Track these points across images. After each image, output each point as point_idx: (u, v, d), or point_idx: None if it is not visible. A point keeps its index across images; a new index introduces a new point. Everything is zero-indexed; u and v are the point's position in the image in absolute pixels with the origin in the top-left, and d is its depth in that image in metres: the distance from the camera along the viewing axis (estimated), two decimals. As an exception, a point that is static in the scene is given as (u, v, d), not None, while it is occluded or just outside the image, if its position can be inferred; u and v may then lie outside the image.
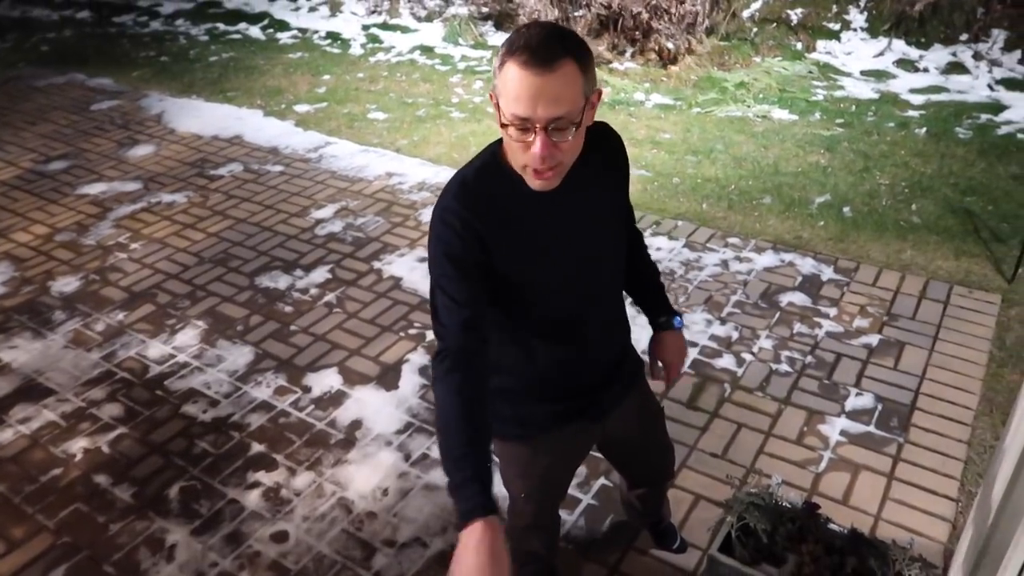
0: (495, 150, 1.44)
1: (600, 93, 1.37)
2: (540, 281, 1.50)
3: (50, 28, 8.66)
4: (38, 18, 9.10)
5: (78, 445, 2.87)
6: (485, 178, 1.43)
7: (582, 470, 2.65)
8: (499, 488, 1.76)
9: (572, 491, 2.57)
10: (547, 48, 1.23)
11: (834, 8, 7.12)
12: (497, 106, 1.31)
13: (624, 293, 1.78)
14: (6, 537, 2.50)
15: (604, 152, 1.54)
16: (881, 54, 6.68)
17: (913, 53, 6.64)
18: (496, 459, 1.76)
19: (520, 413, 1.68)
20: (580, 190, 1.46)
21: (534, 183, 1.37)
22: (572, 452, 1.86)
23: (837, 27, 7.01)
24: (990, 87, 6.01)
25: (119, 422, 2.97)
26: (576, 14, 7.35)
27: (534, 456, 1.76)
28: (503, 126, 1.30)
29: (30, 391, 3.15)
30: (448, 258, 1.40)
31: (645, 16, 6.75)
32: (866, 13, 6.99)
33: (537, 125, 1.26)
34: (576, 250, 1.51)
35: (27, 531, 2.52)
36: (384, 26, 8.07)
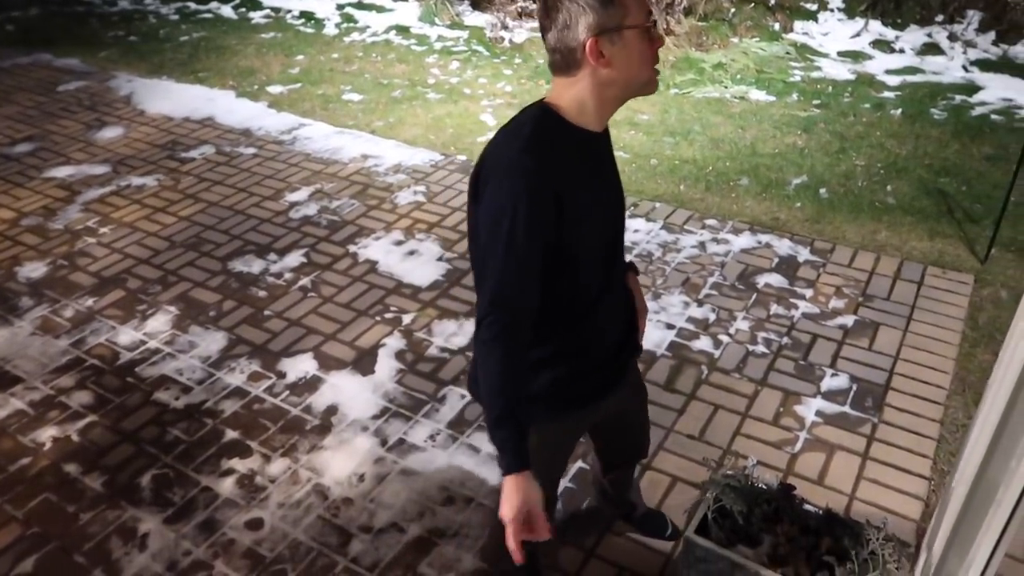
0: (538, 110, 1.45)
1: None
2: (595, 234, 1.52)
3: (16, 7, 8.43)
4: (2, -4, 8.85)
5: (47, 434, 2.82)
6: (547, 132, 1.43)
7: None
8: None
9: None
10: None
11: (811, -12, 7.10)
12: (600, 53, 1.36)
13: None
14: (-27, 528, 2.46)
15: None
16: (858, 35, 6.69)
17: (889, 34, 6.65)
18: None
19: (559, 392, 1.66)
20: (608, 142, 1.58)
21: (653, 86, 1.46)
22: (585, 426, 1.89)
23: (815, 7, 7.00)
24: (965, 68, 6.04)
25: (89, 410, 2.92)
26: (553, -6, 7.28)
27: (564, 434, 1.78)
28: (648, 28, 1.38)
29: (-3, 379, 3.08)
30: (529, 214, 1.37)
31: (623, -4, 6.70)
32: (843, -6, 6.99)
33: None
34: (616, 202, 1.60)
35: (-5, 522, 2.48)
36: (359, 5, 7.94)
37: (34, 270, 3.79)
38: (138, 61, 6.67)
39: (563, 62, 1.40)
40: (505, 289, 1.41)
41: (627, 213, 4.04)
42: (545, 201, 1.38)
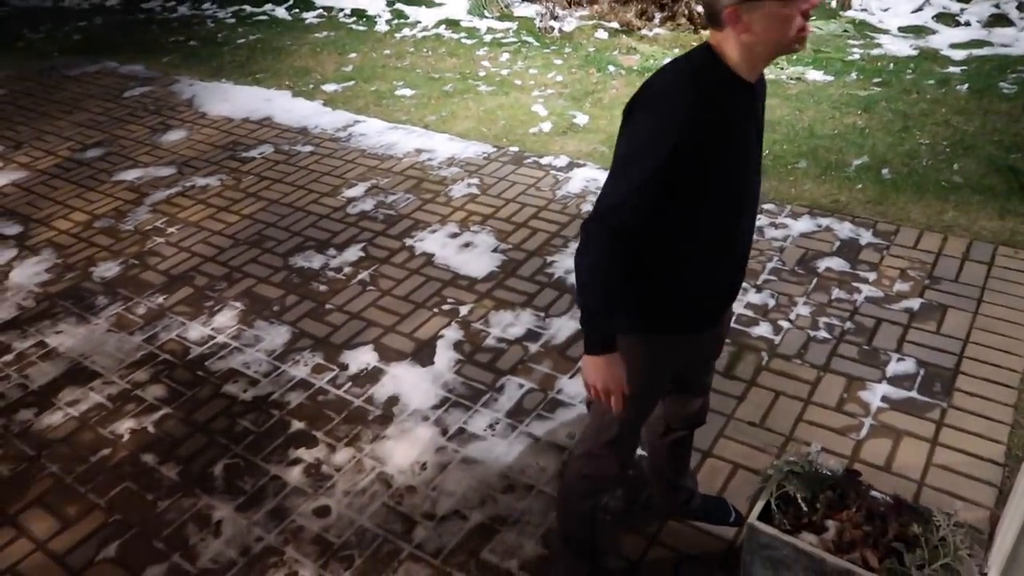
0: (704, 51, 1.55)
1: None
2: (735, 168, 1.62)
3: (81, 17, 8.77)
4: (70, 8, 9.22)
5: (125, 426, 2.95)
6: (706, 78, 1.54)
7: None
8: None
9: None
10: None
11: (870, -37, 6.89)
12: (740, 17, 1.45)
13: None
14: (60, 515, 2.59)
15: None
16: (920, 9, 6.47)
17: (954, 7, 6.41)
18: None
19: (681, 306, 1.76)
20: (759, 93, 1.65)
21: (799, 45, 1.51)
22: (688, 357, 1.93)
23: (873, -17, 6.79)
24: (1036, 39, 5.79)
25: (163, 403, 3.05)
26: (602, -19, 7.22)
27: (673, 348, 1.84)
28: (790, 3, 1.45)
29: (77, 374, 3.23)
30: (671, 136, 1.49)
31: (674, -20, 6.61)
32: (904, -33, 6.76)
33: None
34: (758, 150, 1.69)
35: (80, 510, 2.60)
36: (409, 1, 8.02)
37: (108, 270, 3.95)
38: (198, 65, 6.87)
39: (711, 18, 1.52)
40: (623, 201, 1.55)
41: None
42: (690, 133, 1.49)
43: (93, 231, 4.33)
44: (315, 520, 2.50)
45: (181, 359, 3.27)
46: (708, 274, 1.74)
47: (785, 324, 3.16)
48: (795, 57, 5.81)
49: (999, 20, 6.10)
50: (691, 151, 1.50)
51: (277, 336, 3.37)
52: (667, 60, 5.77)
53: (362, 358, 3.20)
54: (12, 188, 4.90)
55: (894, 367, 2.89)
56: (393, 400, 2.96)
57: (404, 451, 2.73)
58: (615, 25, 6.79)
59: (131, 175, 4.94)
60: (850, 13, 6.57)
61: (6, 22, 8.72)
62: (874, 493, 2.00)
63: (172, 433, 2.90)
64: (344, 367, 3.16)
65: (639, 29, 6.68)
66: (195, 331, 3.44)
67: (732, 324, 3.16)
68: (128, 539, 2.49)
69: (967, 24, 6.18)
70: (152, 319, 3.54)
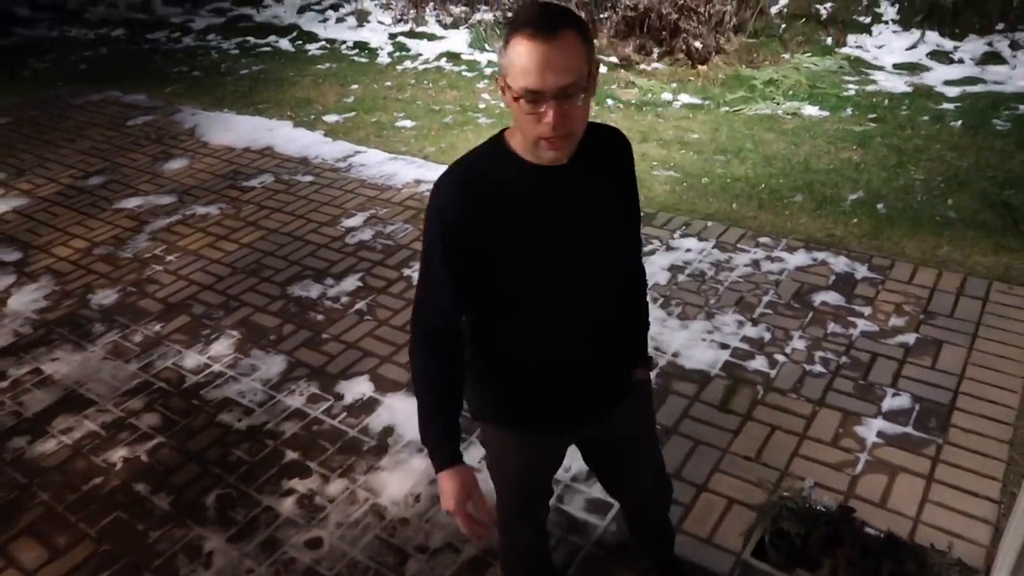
0: (498, 136, 1.49)
1: (599, 65, 1.43)
2: (535, 264, 1.49)
3: (87, 47, 8.88)
4: (76, 37, 9.34)
5: (118, 454, 2.94)
6: (486, 161, 1.47)
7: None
8: (489, 487, 1.80)
9: (603, 496, 2.56)
10: (549, 19, 1.30)
11: (864, 1, 7.01)
12: (503, 89, 1.37)
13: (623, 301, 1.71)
14: (50, 545, 2.57)
15: (610, 150, 1.57)
16: (914, 46, 6.56)
17: (947, 44, 6.51)
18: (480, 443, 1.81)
19: (505, 405, 1.70)
20: (580, 175, 1.48)
21: (547, 154, 1.40)
22: (553, 451, 1.83)
23: (868, 20, 6.90)
24: (1028, 77, 5.86)
25: (157, 431, 3.03)
26: (602, 16, 7.34)
27: (514, 447, 1.77)
28: (515, 100, 1.33)
29: (71, 402, 3.23)
30: (442, 239, 1.46)
31: (673, 16, 6.71)
32: (897, 5, 6.87)
33: (547, 94, 1.30)
34: (572, 239, 1.49)
35: (69, 539, 2.58)
36: (411, 34, 8.13)
37: (105, 297, 3.96)
38: (201, 95, 6.95)
39: None
40: (423, 302, 1.54)
41: (677, 233, 4.03)
42: (455, 229, 1.43)
43: (92, 258, 4.34)
44: (307, 552, 2.48)
45: (176, 387, 3.27)
46: (534, 375, 1.61)
47: (781, 358, 3.16)
48: (791, 92, 5.88)
49: (992, 58, 6.19)
50: (452, 246, 1.44)
51: (273, 365, 3.36)
52: (665, 94, 5.73)
53: (358, 388, 3.19)
54: (13, 215, 4.92)
55: (889, 402, 2.89)
56: (388, 431, 2.95)
57: (398, 483, 2.72)
58: (614, 60, 6.88)
59: (132, 203, 4.97)
60: (845, 50, 6.66)
61: (13, 51, 8.83)
62: (869, 530, 1.99)
63: (165, 462, 2.88)
64: (339, 397, 3.15)
65: (638, 64, 6.77)
66: (191, 359, 3.44)
67: (728, 358, 3.17)
68: (118, 570, 2.47)
69: (961, 61, 6.26)
70: (148, 347, 3.54)
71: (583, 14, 7.29)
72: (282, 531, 2.56)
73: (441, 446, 1.52)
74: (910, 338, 3.22)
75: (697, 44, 6.63)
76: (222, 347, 3.50)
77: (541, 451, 1.80)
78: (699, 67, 6.56)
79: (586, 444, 1.87)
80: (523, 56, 1.30)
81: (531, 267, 1.49)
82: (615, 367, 1.72)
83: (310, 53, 7.96)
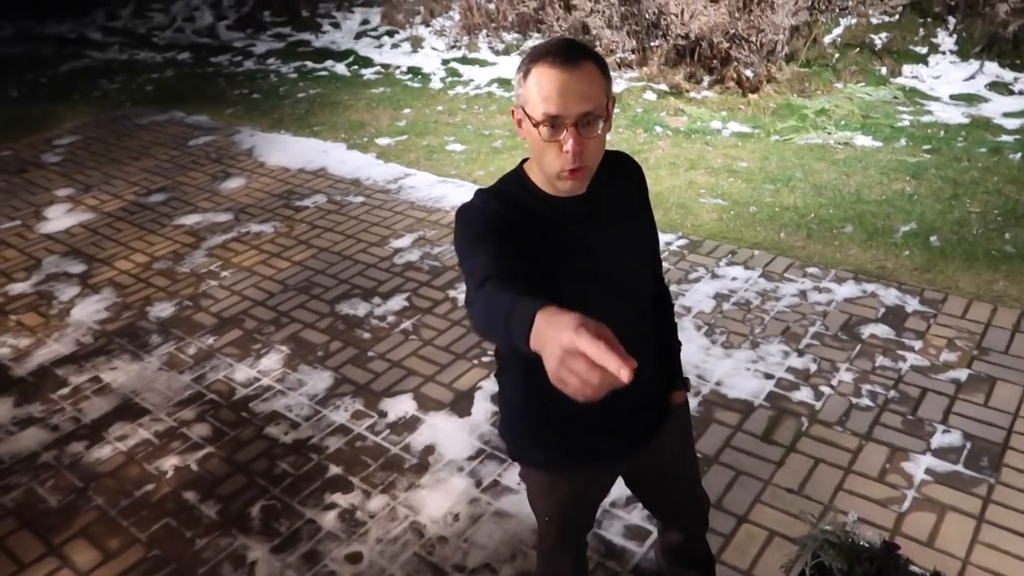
0: (518, 169, 1.53)
1: (615, 101, 1.45)
2: (567, 295, 1.35)
3: (154, 69, 9.25)
4: (144, 60, 9.74)
5: (169, 463, 3.03)
6: (507, 189, 1.50)
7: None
8: (527, 511, 1.80)
9: (642, 523, 2.55)
10: (571, 49, 1.35)
11: (921, 31, 6.92)
12: (520, 122, 1.41)
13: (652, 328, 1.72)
14: (102, 548, 2.66)
15: (625, 177, 1.60)
16: (972, 77, 6.44)
17: (1007, 75, 6.37)
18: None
19: (539, 442, 1.69)
20: (601, 205, 1.51)
21: (565, 184, 1.41)
22: (592, 487, 1.83)
23: (924, 50, 6.80)
24: (1093, 109, 5.70)
25: (207, 442, 3.12)
26: (653, 44, 7.38)
27: (552, 484, 1.76)
28: (535, 125, 1.35)
29: (127, 410, 3.34)
30: (479, 235, 1.37)
31: (725, 45, 6.72)
32: (955, 36, 6.77)
33: (567, 121, 1.33)
34: (599, 266, 1.50)
35: (121, 543, 2.67)
36: (463, 60, 8.29)
37: (163, 310, 4.10)
38: (260, 116, 7.18)
39: None
40: (479, 271, 1.35)
41: (723, 261, 4.02)
42: (493, 220, 1.41)
43: (152, 272, 4.51)
44: (347, 566, 2.52)
45: (227, 400, 3.36)
46: (579, 410, 1.33)
47: (827, 390, 3.12)
48: (843, 122, 5.82)
49: (1054, 90, 6.05)
50: (514, 235, 1.41)
51: (320, 381, 3.44)
52: (715, 122, 5.73)
53: (401, 406, 3.24)
54: (80, 228, 5.14)
55: (939, 439, 2.83)
56: (429, 449, 2.99)
57: (438, 501, 2.75)
58: (664, 87, 6.90)
59: (190, 220, 5.15)
60: (900, 80, 6.57)
61: (85, 73, 9.25)
62: (914, 568, 1.94)
63: (214, 472, 2.97)
64: (383, 414, 3.21)
65: (688, 92, 6.78)
66: (242, 373, 3.54)
67: (773, 388, 3.14)
68: (165, 575, 2.54)
69: (1021, 93, 6.12)
70: (201, 359, 3.65)
71: (634, 42, 7.35)
72: (323, 544, 2.61)
73: (526, 300, 1.11)
74: (962, 374, 3.14)
75: (748, 73, 6.62)
76: (271, 362, 3.60)
77: (589, 485, 1.81)
78: (750, 96, 6.54)
79: (629, 471, 1.88)
80: (544, 84, 1.33)
81: (564, 295, 1.41)
82: (655, 391, 1.74)
83: (365, 77, 8.16)
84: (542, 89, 1.34)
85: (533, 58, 1.36)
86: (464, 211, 1.47)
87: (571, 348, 0.94)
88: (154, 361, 3.67)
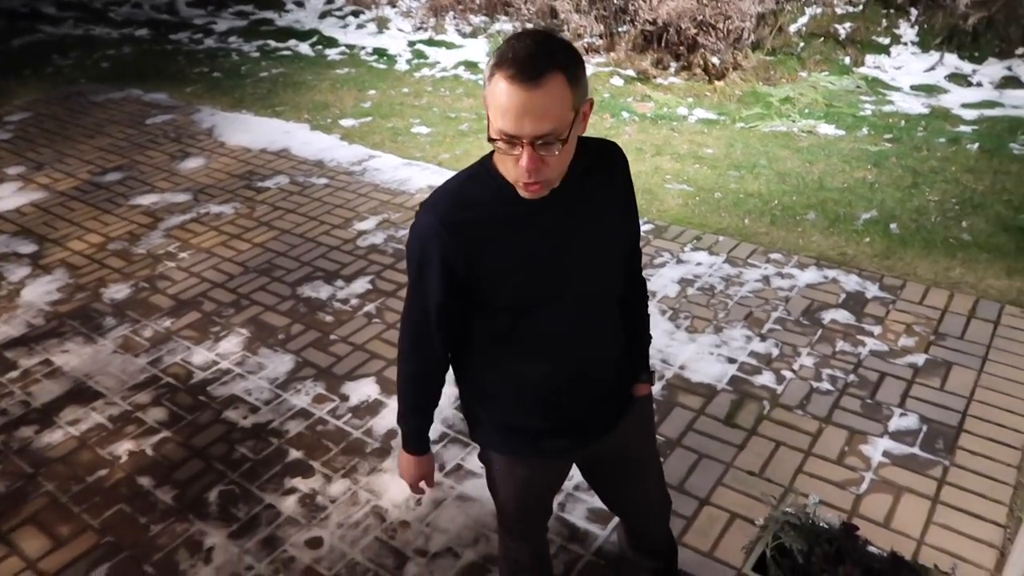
0: (487, 159, 1.44)
1: (592, 103, 1.36)
2: (523, 291, 1.46)
3: (111, 45, 8.98)
4: (100, 36, 9.46)
5: (123, 447, 2.95)
6: (470, 187, 1.44)
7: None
8: (489, 495, 1.84)
9: (604, 506, 2.54)
10: (534, 62, 1.22)
11: (884, 22, 7.00)
12: (488, 117, 1.32)
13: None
14: (53, 535, 2.58)
15: (605, 168, 1.52)
16: (932, 68, 6.54)
17: (966, 67, 6.48)
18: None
19: (500, 427, 1.67)
20: (572, 202, 1.44)
21: (523, 193, 1.36)
22: (549, 473, 1.80)
23: (887, 41, 6.89)
24: (1047, 102, 5.83)
25: (163, 426, 3.05)
26: (620, 29, 7.37)
27: (510, 468, 1.75)
28: (491, 140, 1.29)
29: (80, 394, 3.25)
30: (421, 275, 1.47)
31: (692, 31, 6.73)
32: (917, 27, 6.86)
33: (524, 140, 1.25)
34: (563, 261, 1.46)
35: (72, 530, 2.60)
36: (430, 42, 8.19)
37: (118, 292, 3.99)
38: (221, 96, 7.01)
39: None
40: (415, 328, 1.56)
41: (688, 246, 4.03)
42: (439, 259, 1.42)
43: (106, 253, 4.38)
44: (307, 551, 2.49)
45: (184, 383, 3.29)
46: (534, 399, 1.60)
47: (788, 374, 3.15)
48: (807, 110, 5.88)
49: (1011, 82, 6.16)
50: (435, 277, 1.44)
51: (280, 364, 3.38)
52: (681, 108, 5.72)
53: (363, 390, 3.20)
54: (31, 208, 4.98)
55: (897, 422, 2.87)
56: (392, 433, 2.96)
57: (400, 485, 2.72)
58: (631, 73, 6.90)
59: (148, 200, 5.01)
60: (863, 70, 6.65)
61: (38, 48, 8.95)
62: (872, 548, 1.97)
63: (170, 457, 2.90)
64: (345, 398, 3.16)
65: (655, 78, 6.79)
66: (200, 356, 3.46)
67: (735, 372, 3.16)
68: (118, 562, 2.48)
69: (979, 85, 6.24)
70: (158, 342, 3.56)
71: (601, 27, 7.32)
72: (283, 529, 2.57)
73: (417, 438, 1.70)
74: (919, 359, 3.20)
75: (715, 60, 6.64)
76: (231, 345, 3.52)
77: (544, 473, 1.78)
78: (716, 83, 6.56)
79: (586, 461, 1.86)
80: (502, 98, 1.23)
81: (524, 293, 1.46)
82: (616, 385, 1.70)
83: (329, 58, 8.02)
84: (500, 103, 1.24)
85: (499, 61, 1.25)
86: (411, 232, 1.47)
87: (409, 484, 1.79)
88: (108, 344, 3.57)
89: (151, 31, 9.51)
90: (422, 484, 1.77)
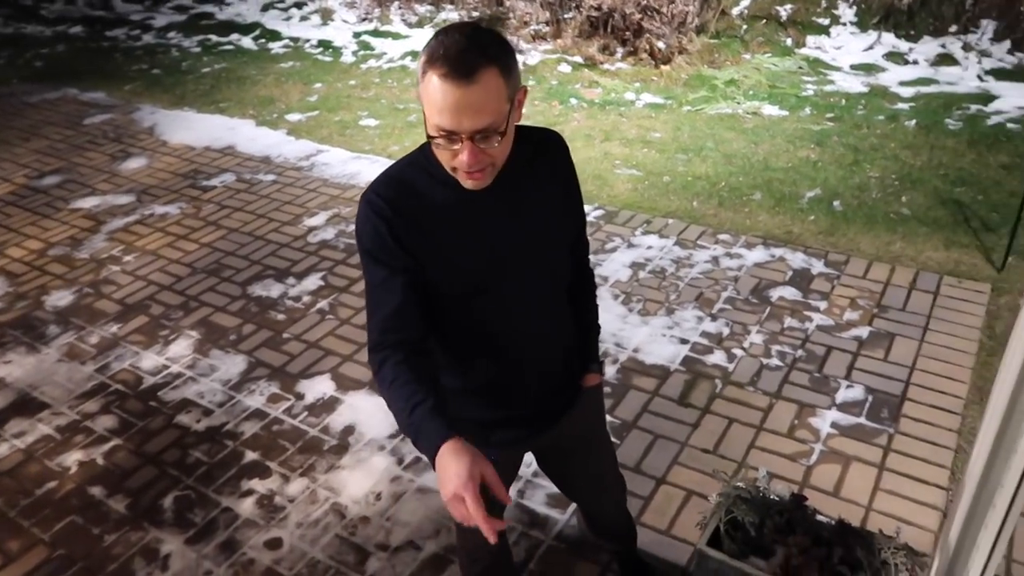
0: (426, 146, 1.40)
1: (525, 91, 1.36)
2: (464, 279, 1.45)
3: (44, 44, 8.69)
4: (32, 34, 9.14)
5: (73, 458, 2.89)
6: (412, 174, 1.42)
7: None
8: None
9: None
10: (466, 58, 1.21)
11: (823, 3, 7.13)
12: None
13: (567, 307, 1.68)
14: (2, 551, 2.52)
15: (546, 157, 1.52)
16: (871, 48, 6.69)
17: (903, 46, 6.64)
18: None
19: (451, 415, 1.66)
20: (514, 190, 1.43)
21: (466, 183, 1.35)
22: (502, 464, 1.74)
23: (826, 22, 7.02)
24: (979, 78, 6.01)
25: (113, 434, 2.99)
26: (566, 16, 7.37)
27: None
28: (430, 137, 1.28)
29: (25, 405, 3.16)
30: (374, 256, 1.40)
31: (636, 16, 6.77)
32: (855, 7, 7.00)
33: (463, 135, 1.25)
34: (505, 249, 1.45)
35: (22, 544, 2.53)
36: (375, 33, 8.09)
37: (61, 299, 3.89)
38: (161, 93, 6.85)
39: None
40: (374, 324, 1.40)
41: (639, 230, 4.07)
42: (389, 241, 1.38)
43: (47, 259, 4.26)
44: (267, 552, 2.46)
45: (133, 389, 3.22)
46: (480, 392, 1.60)
47: (739, 352, 3.21)
48: (752, 92, 5.97)
49: (945, 59, 6.33)
50: (399, 258, 1.39)
51: (233, 365, 3.33)
52: (628, 94, 5.73)
53: (319, 387, 3.17)
54: (-35, 215, 4.81)
55: (843, 394, 2.95)
56: (349, 429, 2.94)
57: (359, 481, 2.71)
58: (578, 59, 6.91)
59: (89, 203, 4.88)
60: (804, 51, 6.77)
61: (-35, 48, 8.62)
62: (820, 517, 2.02)
63: (122, 465, 2.84)
64: (300, 396, 3.13)
65: (602, 63, 6.82)
66: (149, 360, 3.39)
67: (688, 352, 3.21)
68: (72, 574, 2.42)
69: (915, 63, 6.40)
70: (105, 349, 3.48)
71: (547, 14, 7.32)
72: (241, 532, 2.54)
73: (434, 418, 1.25)
74: (864, 331, 3.29)
75: (660, 44, 6.70)
76: (181, 348, 3.46)
77: (495, 464, 1.77)
78: (662, 67, 6.62)
79: (539, 450, 1.87)
80: (437, 96, 1.22)
81: (467, 284, 1.45)
82: (565, 377, 1.71)
83: (273, 51, 7.88)
84: (435, 101, 1.23)
85: (430, 58, 1.22)
86: (357, 219, 1.42)
87: (458, 495, 1.16)
88: (53, 352, 3.48)
89: (86, 28, 9.23)
90: (491, 486, 1.20)
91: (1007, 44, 6.32)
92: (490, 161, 1.32)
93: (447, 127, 1.24)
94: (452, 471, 1.16)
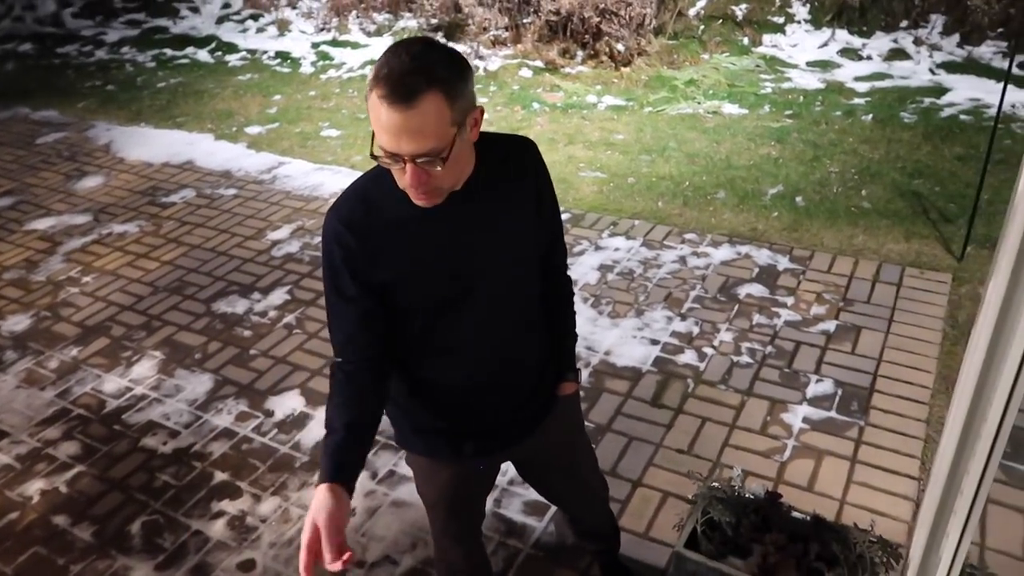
0: (381, 169, 1.38)
1: (482, 111, 1.32)
2: (428, 291, 1.44)
3: (-9, 63, 8.48)
4: (-21, 53, 8.91)
5: (35, 487, 2.80)
6: (374, 189, 1.40)
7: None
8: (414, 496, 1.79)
9: (540, 498, 2.55)
10: (408, 82, 1.18)
11: (778, 2, 7.23)
12: None
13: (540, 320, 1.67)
14: (-38, 588, 2.43)
15: (516, 167, 1.50)
16: (825, 44, 6.80)
17: (856, 42, 6.76)
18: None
19: (418, 430, 1.66)
20: (481, 202, 1.41)
21: (417, 202, 1.33)
22: (477, 475, 1.79)
23: (781, 20, 7.12)
24: (931, 71, 6.14)
25: (76, 460, 2.90)
26: (525, 21, 7.38)
27: (434, 470, 1.73)
28: (373, 156, 1.27)
29: (-18, 435, 3.06)
30: (333, 278, 1.42)
31: (595, 20, 6.80)
32: (809, 5, 7.11)
33: (405, 157, 1.23)
34: (469, 262, 1.43)
35: (-16, 580, 2.45)
36: (334, 43, 8.03)
37: (17, 323, 3.78)
38: (116, 110, 6.71)
39: None
40: (335, 343, 1.45)
41: (605, 232, 4.08)
42: (346, 260, 1.38)
43: (2, 283, 4.14)
44: (239, 575, 2.41)
45: (96, 413, 3.14)
46: (454, 404, 1.59)
47: (709, 351, 3.23)
48: (711, 91, 6.02)
49: (898, 54, 6.46)
50: (346, 280, 1.40)
51: (199, 385, 3.26)
52: (590, 96, 5.76)
53: (288, 403, 3.12)
54: (-87, 241, 4.66)
55: (813, 388, 2.98)
56: (320, 446, 2.89)
57: (332, 497, 2.66)
58: (539, 63, 6.93)
59: (43, 224, 4.76)
60: (761, 49, 6.86)
61: (-90, 69, 8.38)
62: (796, 514, 2.03)
63: (86, 492, 2.76)
64: (270, 413, 3.08)
65: (562, 67, 6.83)
66: (111, 383, 3.31)
67: (659, 353, 3.22)
68: (37, 608, 2.35)
69: (869, 58, 6.52)
70: (65, 373, 3.39)
71: (506, 19, 7.32)
72: (212, 555, 2.48)
73: (331, 457, 1.37)
74: (831, 325, 3.32)
75: (619, 47, 6.74)
76: (144, 369, 3.38)
77: (469, 475, 1.75)
78: (622, 69, 6.66)
79: (517, 460, 1.86)
80: (380, 116, 1.20)
81: (433, 298, 1.44)
82: (539, 387, 1.69)
83: (230, 64, 7.78)
84: (377, 120, 1.21)
85: (375, 77, 1.20)
86: (323, 231, 1.42)
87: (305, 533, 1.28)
88: (10, 379, 3.38)
89: (36, 45, 9.02)
90: (323, 541, 1.27)
91: (956, 38, 6.46)
92: (435, 184, 1.29)
93: (389, 149, 1.23)
94: (310, 512, 1.29)
